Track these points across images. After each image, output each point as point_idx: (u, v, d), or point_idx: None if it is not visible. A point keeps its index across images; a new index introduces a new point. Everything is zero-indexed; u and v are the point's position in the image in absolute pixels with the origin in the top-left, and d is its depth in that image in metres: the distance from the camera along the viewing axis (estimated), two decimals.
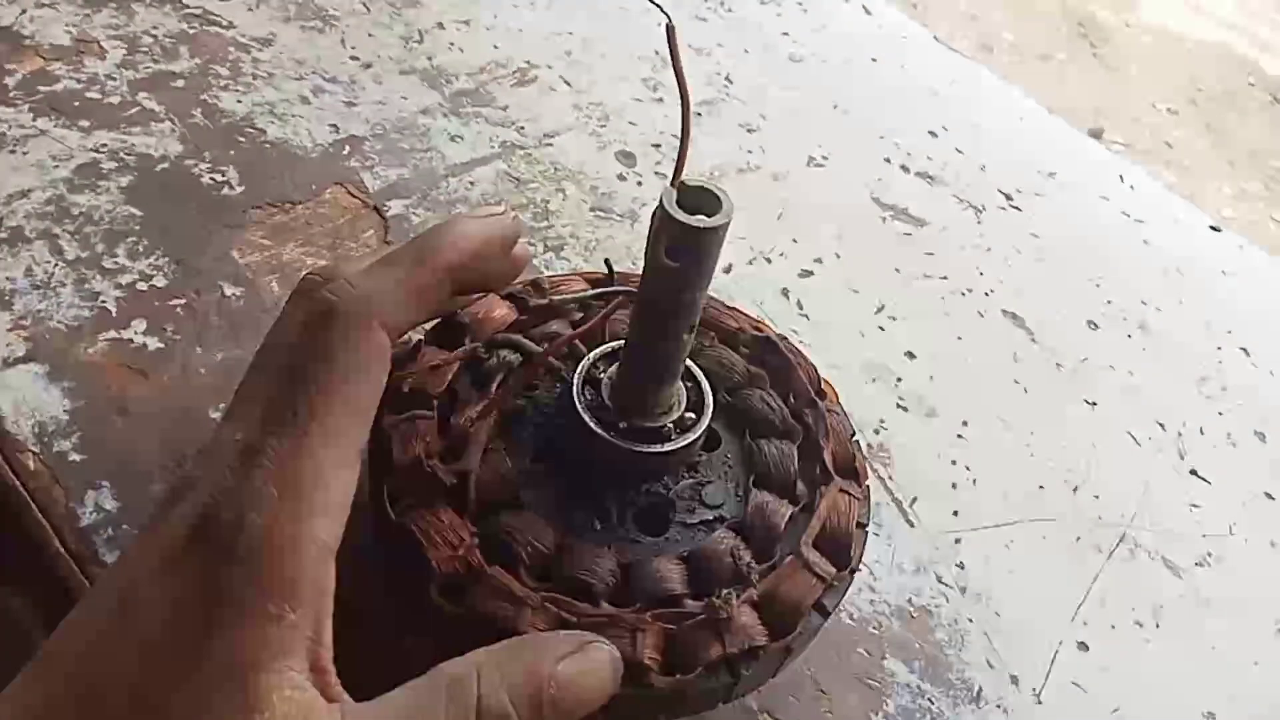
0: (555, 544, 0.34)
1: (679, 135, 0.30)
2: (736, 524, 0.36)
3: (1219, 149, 2.62)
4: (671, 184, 0.30)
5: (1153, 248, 0.63)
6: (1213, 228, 0.66)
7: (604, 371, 0.37)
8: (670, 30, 0.29)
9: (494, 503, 0.34)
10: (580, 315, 0.41)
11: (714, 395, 0.37)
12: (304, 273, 0.31)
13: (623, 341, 0.36)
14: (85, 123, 0.53)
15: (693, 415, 0.36)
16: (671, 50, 0.29)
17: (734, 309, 0.43)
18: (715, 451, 0.38)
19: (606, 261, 0.41)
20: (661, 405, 0.36)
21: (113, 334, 0.45)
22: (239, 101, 0.56)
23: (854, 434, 0.40)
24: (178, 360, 0.45)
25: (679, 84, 0.29)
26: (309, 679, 0.25)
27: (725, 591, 0.33)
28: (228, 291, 0.48)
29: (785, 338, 0.42)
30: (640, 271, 0.43)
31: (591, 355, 0.37)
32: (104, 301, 0.46)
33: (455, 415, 0.36)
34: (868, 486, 0.39)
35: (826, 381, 0.41)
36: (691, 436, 0.36)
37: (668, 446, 0.35)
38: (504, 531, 0.33)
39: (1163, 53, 2.91)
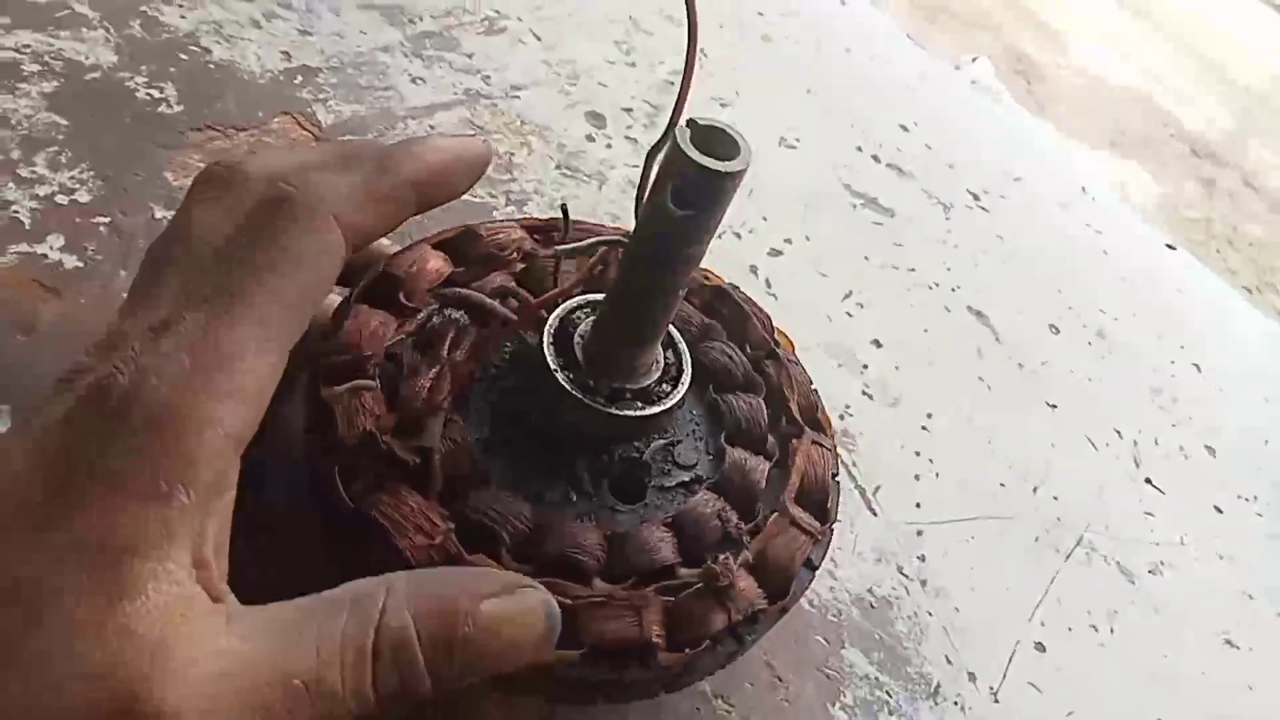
0: (534, 521, 0.30)
1: (683, 65, 0.26)
2: (715, 484, 0.34)
3: (1136, 194, 2.72)
4: (672, 121, 0.26)
5: (1112, 259, 0.63)
6: (1168, 245, 0.66)
7: (576, 329, 0.33)
8: None
9: (458, 480, 0.30)
10: (522, 267, 0.37)
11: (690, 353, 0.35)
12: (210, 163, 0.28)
13: (589, 296, 0.34)
14: (5, 19, 0.48)
15: (671, 379, 0.34)
16: None
17: None
18: (680, 408, 0.35)
19: (563, 207, 0.37)
20: (642, 367, 0.33)
21: (24, 247, 0.40)
22: (183, 18, 0.52)
23: (813, 384, 0.38)
24: (97, 281, 0.40)
25: (688, 6, 0.26)
26: (191, 574, 0.22)
27: (722, 556, 0.30)
28: (158, 214, 0.43)
29: (736, 286, 0.40)
30: (593, 223, 0.39)
31: (560, 310, 0.34)
32: (16, 212, 0.41)
33: (403, 384, 0.32)
34: (833, 435, 0.37)
35: (780, 331, 0.39)
36: (674, 399, 0.33)
37: (651, 409, 0.32)
38: (478, 512, 0.29)
39: (1090, 95, 3.01)
